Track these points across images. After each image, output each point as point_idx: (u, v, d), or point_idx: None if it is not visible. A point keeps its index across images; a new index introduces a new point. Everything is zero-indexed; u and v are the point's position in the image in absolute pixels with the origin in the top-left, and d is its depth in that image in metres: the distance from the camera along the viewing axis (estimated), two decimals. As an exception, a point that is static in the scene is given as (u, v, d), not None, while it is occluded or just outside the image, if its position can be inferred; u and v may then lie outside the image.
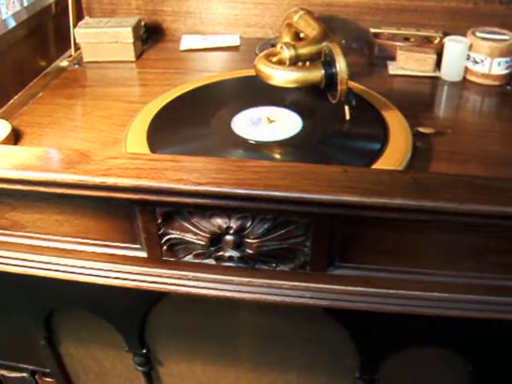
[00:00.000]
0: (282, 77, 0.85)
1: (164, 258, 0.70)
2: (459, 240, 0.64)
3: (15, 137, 0.89)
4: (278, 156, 0.81)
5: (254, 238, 0.65)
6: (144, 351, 0.88)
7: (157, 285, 0.72)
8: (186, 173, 0.61)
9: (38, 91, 1.05)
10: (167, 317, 0.84)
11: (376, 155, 0.78)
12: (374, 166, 0.76)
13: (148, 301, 0.80)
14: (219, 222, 0.64)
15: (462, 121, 0.95)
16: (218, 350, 0.86)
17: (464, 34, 1.05)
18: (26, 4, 1.34)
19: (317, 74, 0.85)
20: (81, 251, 0.73)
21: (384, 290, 0.68)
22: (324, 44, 0.91)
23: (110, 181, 0.62)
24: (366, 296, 0.68)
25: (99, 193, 0.64)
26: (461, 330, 0.73)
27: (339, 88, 0.82)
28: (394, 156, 0.78)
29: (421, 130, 0.86)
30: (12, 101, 1.02)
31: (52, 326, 0.91)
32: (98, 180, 0.62)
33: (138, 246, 0.71)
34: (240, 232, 0.65)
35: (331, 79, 0.84)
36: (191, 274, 0.70)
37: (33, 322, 0.89)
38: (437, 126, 0.89)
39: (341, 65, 0.82)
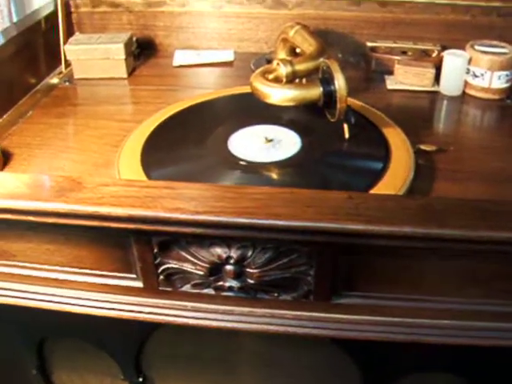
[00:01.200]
0: (279, 95, 0.82)
1: (161, 288, 0.68)
2: (467, 266, 0.62)
3: (4, 158, 0.86)
4: (277, 177, 0.79)
5: (256, 268, 0.62)
6: (140, 379, 0.86)
7: (153, 316, 0.69)
8: (183, 201, 0.59)
9: (27, 110, 1.02)
10: (164, 344, 0.81)
11: (378, 175, 0.76)
12: (377, 186, 0.73)
13: (144, 329, 0.78)
14: (219, 251, 0.62)
15: (463, 137, 0.93)
16: (217, 379, 0.83)
17: (461, 47, 1.04)
18: (15, 20, 1.32)
19: (315, 91, 0.82)
20: (74, 281, 0.70)
21: (390, 319, 0.65)
22: (321, 60, 0.89)
23: (104, 210, 0.59)
24: (371, 325, 0.66)
25: (92, 222, 0.61)
26: (467, 356, 0.71)
27: (338, 106, 0.80)
28: (397, 175, 0.76)
29: (422, 147, 0.84)
30: (1, 120, 0.99)
31: (44, 354, 0.88)
32: (90, 209, 0.60)
33: (133, 276, 0.68)
34: (240, 262, 0.62)
35: (330, 97, 0.82)
36: (189, 305, 0.68)
37: (24, 351, 0.86)
38: (438, 143, 0.86)
39: (340, 82, 0.80)
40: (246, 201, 0.59)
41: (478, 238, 0.57)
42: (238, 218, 0.57)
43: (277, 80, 0.86)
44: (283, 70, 0.86)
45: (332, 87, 0.81)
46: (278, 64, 0.87)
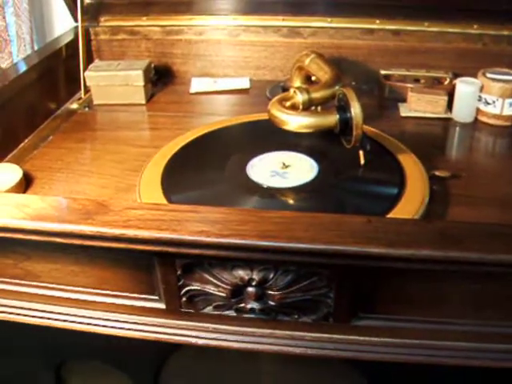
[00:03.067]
0: (296, 122, 0.85)
1: (183, 310, 0.69)
2: (486, 289, 0.63)
3: (26, 182, 0.88)
4: (294, 202, 0.80)
5: (277, 290, 0.63)
6: (159, 401, 0.86)
7: (175, 337, 0.70)
8: (208, 224, 0.61)
9: (48, 134, 1.04)
10: (184, 365, 0.82)
11: (394, 200, 0.77)
12: (393, 211, 0.75)
13: (165, 350, 0.79)
14: (241, 273, 0.63)
15: (476, 163, 0.95)
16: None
17: (473, 75, 1.06)
18: (36, 47, 1.36)
19: (331, 119, 0.84)
20: (97, 302, 0.71)
21: (409, 341, 0.66)
22: (337, 88, 0.91)
23: (130, 233, 0.61)
24: (390, 347, 0.66)
25: (118, 244, 0.63)
26: (488, 379, 0.72)
27: (354, 133, 0.82)
28: (412, 200, 0.78)
29: (437, 173, 0.86)
30: (22, 144, 1.01)
31: (63, 376, 0.89)
32: (117, 232, 0.61)
33: (156, 298, 0.69)
34: (262, 284, 0.63)
35: (346, 124, 0.84)
36: (211, 326, 0.69)
37: (43, 372, 0.87)
38: (451, 169, 0.88)
39: (356, 110, 0.82)
40: (269, 224, 0.61)
41: (497, 261, 0.58)
42: (260, 241, 0.59)
43: (294, 107, 0.88)
44: (300, 98, 0.88)
45: (348, 115, 0.83)
46: (294, 92, 0.89)
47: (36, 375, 0.88)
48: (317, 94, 0.90)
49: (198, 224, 0.61)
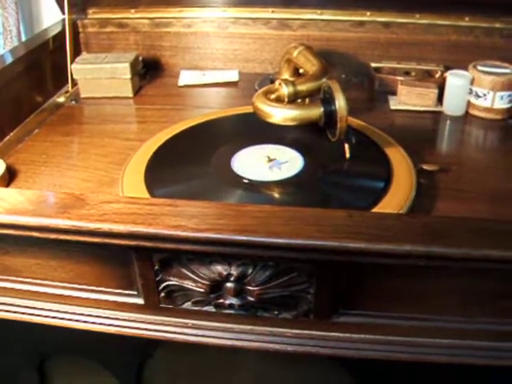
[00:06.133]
0: (280, 115, 0.83)
1: (162, 305, 0.68)
2: (470, 285, 0.62)
3: (10, 175, 0.87)
4: (279, 196, 0.79)
5: (256, 286, 0.62)
6: (141, 397, 0.85)
7: (154, 332, 0.69)
8: (185, 218, 0.59)
9: (34, 128, 1.03)
10: (165, 361, 0.81)
11: (380, 194, 0.76)
12: (379, 206, 0.74)
13: (146, 346, 0.78)
14: (219, 269, 0.62)
15: (466, 156, 0.93)
16: (219, 397, 0.83)
17: (464, 67, 1.04)
18: (23, 40, 1.34)
19: (316, 111, 0.83)
20: (75, 297, 0.70)
21: (391, 337, 0.65)
22: (323, 80, 0.90)
23: (105, 227, 0.60)
24: (372, 344, 0.65)
25: (94, 239, 0.61)
26: (471, 376, 0.71)
27: (338, 126, 0.81)
28: (399, 195, 0.76)
29: (425, 167, 0.84)
30: (7, 137, 1.00)
31: (45, 372, 0.88)
32: (92, 226, 0.60)
33: (134, 293, 0.68)
34: (241, 279, 0.62)
35: (330, 117, 0.82)
36: (190, 322, 0.68)
37: (25, 369, 0.86)
38: (440, 163, 0.87)
39: (340, 102, 0.80)
40: (247, 218, 0.59)
41: (480, 256, 0.57)
42: (238, 235, 0.58)
43: (279, 100, 0.87)
44: (285, 90, 0.87)
45: (332, 107, 0.81)
46: (279, 84, 0.88)
47: (18, 373, 0.87)
48: (302, 87, 0.88)
49: (175, 218, 0.59)
